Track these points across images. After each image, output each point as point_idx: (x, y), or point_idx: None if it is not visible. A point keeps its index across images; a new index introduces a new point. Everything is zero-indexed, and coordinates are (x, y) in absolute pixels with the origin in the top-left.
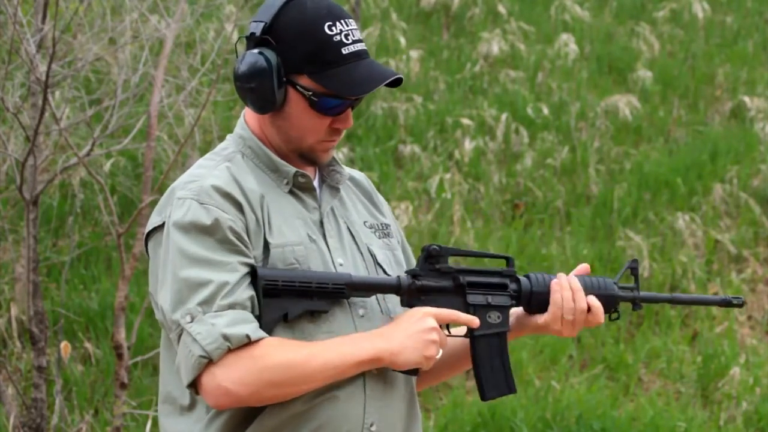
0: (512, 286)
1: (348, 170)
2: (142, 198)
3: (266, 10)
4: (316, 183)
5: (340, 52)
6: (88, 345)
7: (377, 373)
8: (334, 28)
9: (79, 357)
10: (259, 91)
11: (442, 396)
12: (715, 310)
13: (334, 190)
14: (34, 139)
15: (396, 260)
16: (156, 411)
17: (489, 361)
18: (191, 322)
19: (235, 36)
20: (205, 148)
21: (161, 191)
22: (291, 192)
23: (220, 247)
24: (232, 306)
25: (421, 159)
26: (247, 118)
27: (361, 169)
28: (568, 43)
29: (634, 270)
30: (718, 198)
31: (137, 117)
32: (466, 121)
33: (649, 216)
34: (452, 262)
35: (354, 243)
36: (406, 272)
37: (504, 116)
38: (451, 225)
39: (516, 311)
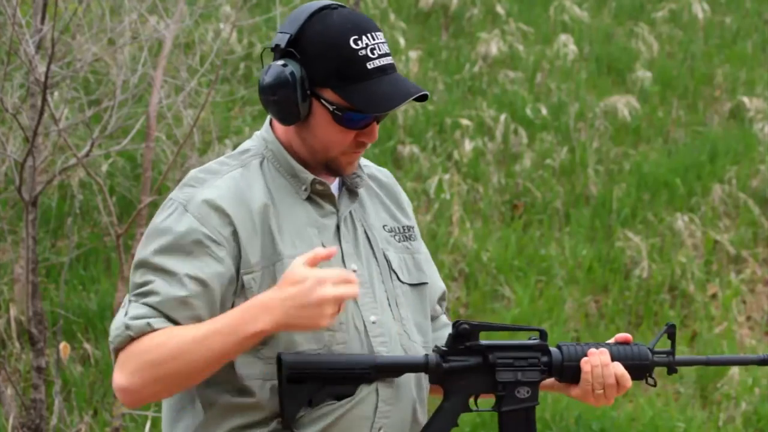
0: (543, 359)
1: (373, 168)
2: (141, 199)
3: (292, 21)
4: (335, 186)
5: (365, 66)
6: (87, 346)
7: (388, 381)
8: (359, 42)
9: (78, 358)
10: (282, 103)
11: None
12: (713, 310)
13: (353, 194)
14: (33, 139)
15: (415, 264)
16: (155, 412)
17: None
18: (124, 307)
19: (234, 37)
20: (204, 149)
21: (160, 192)
22: (309, 198)
23: (176, 256)
24: (153, 308)
25: (420, 159)
26: (274, 122)
27: None
28: (567, 44)
29: (671, 334)
30: (717, 198)
31: (136, 118)
32: (465, 121)
33: (648, 216)
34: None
35: (370, 248)
36: (435, 350)
37: (503, 117)
38: (450, 225)
39: None
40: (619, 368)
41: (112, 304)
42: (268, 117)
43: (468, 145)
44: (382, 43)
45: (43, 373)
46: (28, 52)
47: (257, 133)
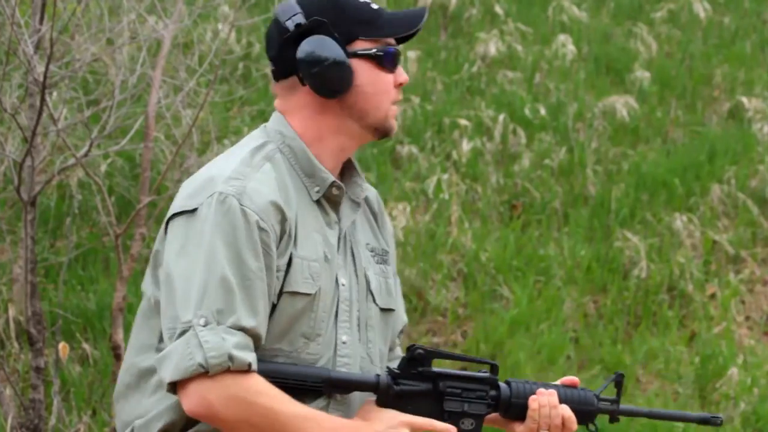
0: (492, 393)
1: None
2: (139, 199)
3: (288, 8)
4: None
5: (372, 8)
6: (86, 346)
7: (341, 399)
8: None
9: (77, 358)
10: (336, 66)
11: None
12: (712, 310)
13: (355, 204)
14: (32, 139)
15: (387, 289)
16: None
17: None
18: (204, 326)
19: (233, 37)
20: (203, 149)
21: (159, 192)
22: (318, 201)
23: (250, 255)
24: (243, 329)
25: (418, 159)
26: (293, 116)
27: None
28: (565, 44)
29: (618, 383)
30: (716, 198)
31: (135, 118)
32: (463, 121)
33: (646, 217)
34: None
35: (353, 264)
36: (387, 371)
37: (501, 117)
38: (448, 226)
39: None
40: (566, 410)
41: (110, 304)
42: (279, 112)
43: (466, 145)
44: None
45: (42, 374)
46: (27, 52)
47: (268, 126)
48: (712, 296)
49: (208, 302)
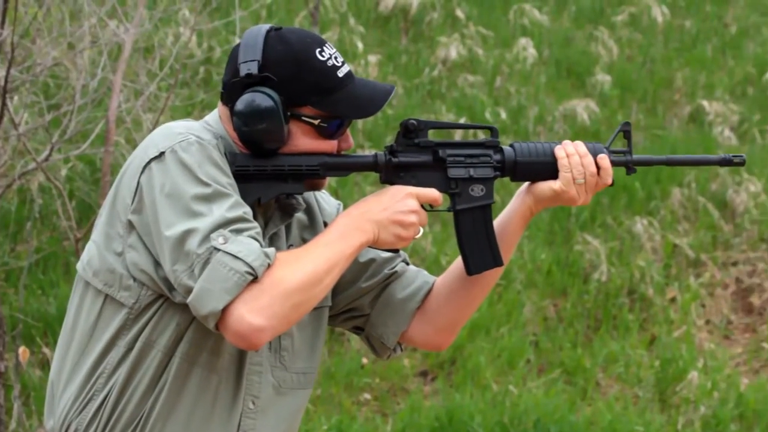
0: (496, 156)
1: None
2: (99, 203)
3: (250, 48)
4: None
5: (337, 76)
6: (46, 350)
7: (253, 407)
8: (324, 53)
9: (37, 362)
10: (268, 131)
11: (399, 401)
12: (672, 313)
13: (286, 215)
14: None
15: None
16: None
17: (474, 236)
18: (225, 243)
19: (194, 41)
20: None
21: None
22: None
23: (219, 173)
24: (248, 221)
25: None
26: (231, 131)
27: None
28: (526, 48)
29: (626, 133)
30: (677, 202)
31: (96, 122)
32: None
33: (607, 220)
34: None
35: None
36: (386, 148)
37: (462, 121)
38: None
39: (526, 185)
40: (604, 161)
41: None
42: (218, 114)
43: None
44: (336, 51)
45: (2, 378)
46: None
47: (210, 121)
48: (672, 300)
49: (214, 221)
